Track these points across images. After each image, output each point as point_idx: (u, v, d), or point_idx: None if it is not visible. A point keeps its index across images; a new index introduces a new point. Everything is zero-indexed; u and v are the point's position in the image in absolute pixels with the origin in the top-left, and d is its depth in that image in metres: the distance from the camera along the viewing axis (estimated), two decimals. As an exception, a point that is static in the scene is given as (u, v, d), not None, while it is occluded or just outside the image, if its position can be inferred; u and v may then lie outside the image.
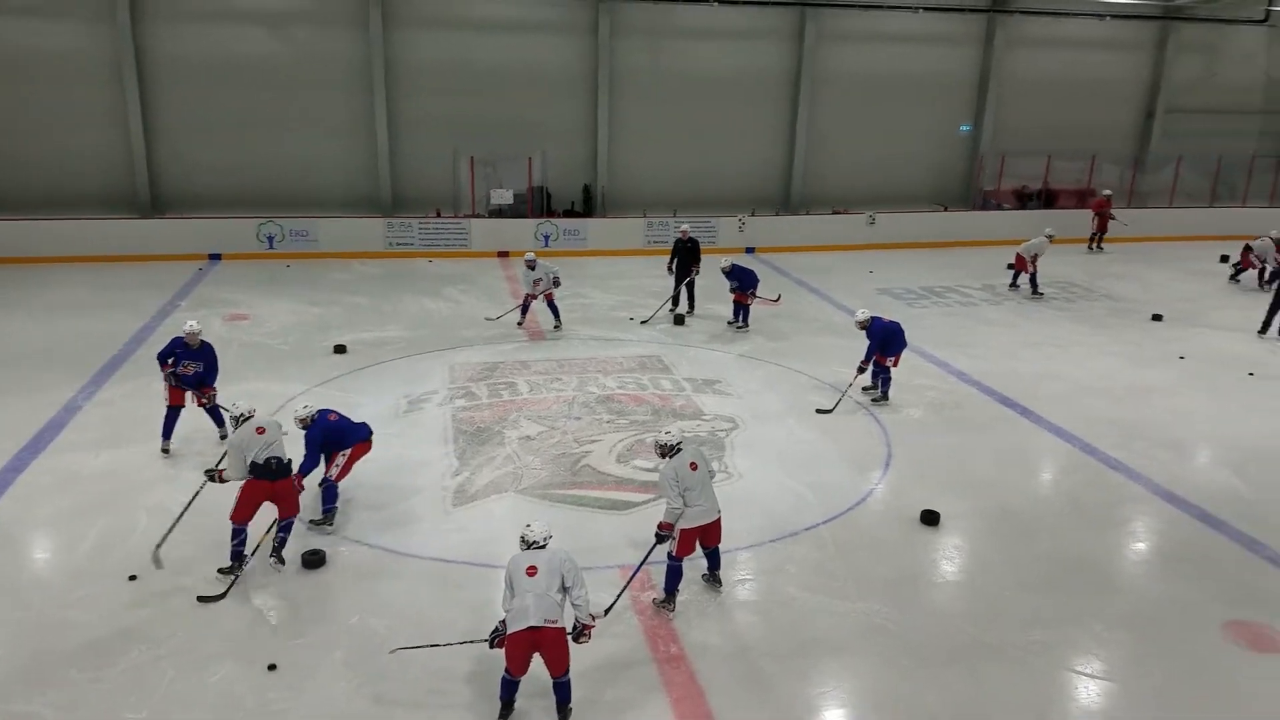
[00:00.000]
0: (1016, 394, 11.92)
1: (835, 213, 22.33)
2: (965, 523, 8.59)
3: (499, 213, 20.55)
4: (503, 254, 19.92)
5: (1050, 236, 17.70)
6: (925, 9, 21.84)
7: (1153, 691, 6.31)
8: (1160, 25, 23.87)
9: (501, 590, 5.77)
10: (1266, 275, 17.70)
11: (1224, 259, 20.61)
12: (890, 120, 22.95)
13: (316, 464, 7.87)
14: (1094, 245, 21.99)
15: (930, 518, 8.49)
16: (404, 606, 6.97)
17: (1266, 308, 14.95)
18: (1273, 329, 14.77)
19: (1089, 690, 6.32)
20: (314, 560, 7.48)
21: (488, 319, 14.93)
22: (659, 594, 7.03)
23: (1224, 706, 6.20)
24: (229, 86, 19.63)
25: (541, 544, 5.78)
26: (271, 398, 10.80)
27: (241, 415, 7.43)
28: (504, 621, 5.62)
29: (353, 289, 16.91)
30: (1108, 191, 22.36)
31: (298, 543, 7.67)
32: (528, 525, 5.88)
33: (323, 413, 8.05)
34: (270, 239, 19.20)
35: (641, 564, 6.97)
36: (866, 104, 22.72)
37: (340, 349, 13.05)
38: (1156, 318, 15.87)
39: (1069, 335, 14.88)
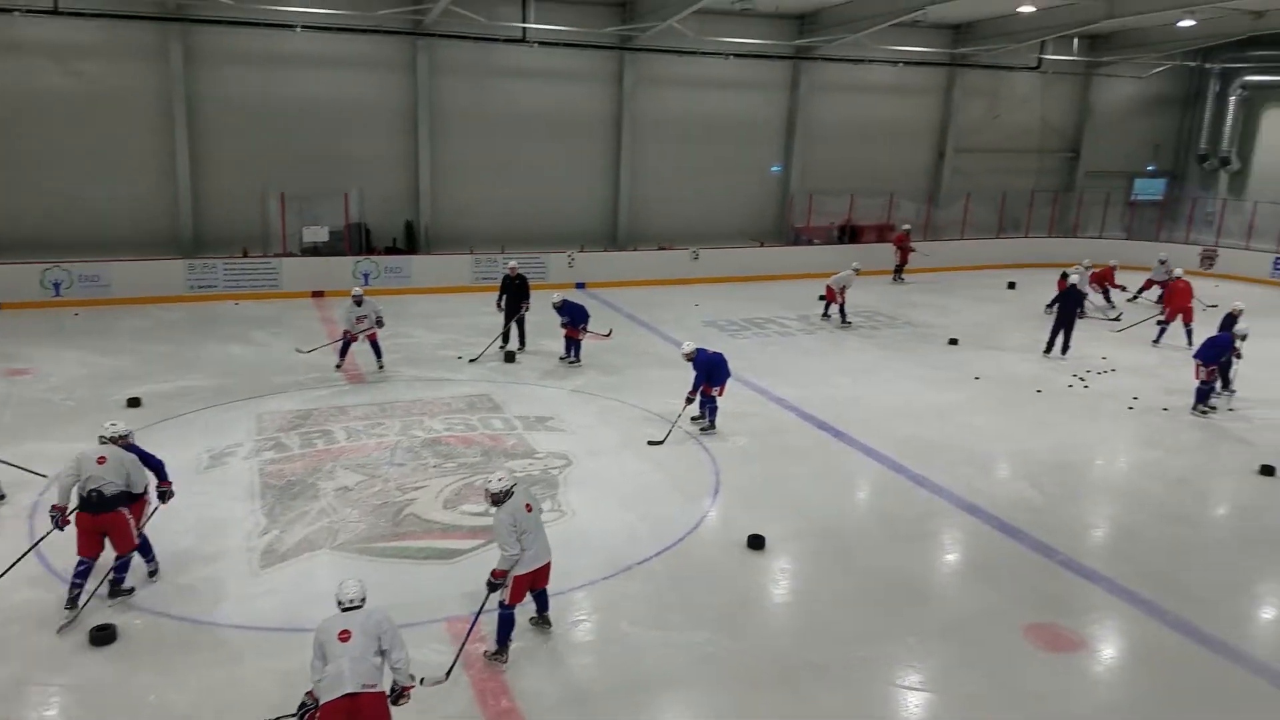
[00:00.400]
0: (832, 418, 12.44)
1: (661, 248, 22.81)
2: (790, 545, 8.83)
3: (314, 251, 19.73)
4: (317, 294, 19.12)
5: (857, 269, 18.71)
6: (736, 55, 22.75)
7: (966, 699, 6.64)
8: (947, 72, 25.90)
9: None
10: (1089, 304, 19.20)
11: (1011, 285, 22.40)
12: (709, 160, 23.75)
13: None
14: (896, 277, 23.42)
15: (756, 542, 8.68)
16: (208, 681, 6.40)
17: (1049, 330, 16.32)
18: (1055, 349, 16.13)
19: (909, 702, 6.59)
20: (103, 637, 6.79)
21: (299, 351, 14.33)
22: (490, 646, 6.78)
23: (1030, 707, 6.60)
24: (11, 123, 18.04)
25: (356, 604, 5.41)
26: (52, 459, 9.79)
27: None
28: (311, 693, 5.21)
29: (150, 336, 15.76)
30: (907, 226, 23.93)
31: (89, 617, 6.99)
32: (341, 584, 5.48)
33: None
34: (56, 285, 17.66)
35: (477, 616, 6.70)
36: (686, 145, 23.41)
37: (134, 402, 12.02)
38: (953, 342, 17.00)
39: (876, 361, 15.71)
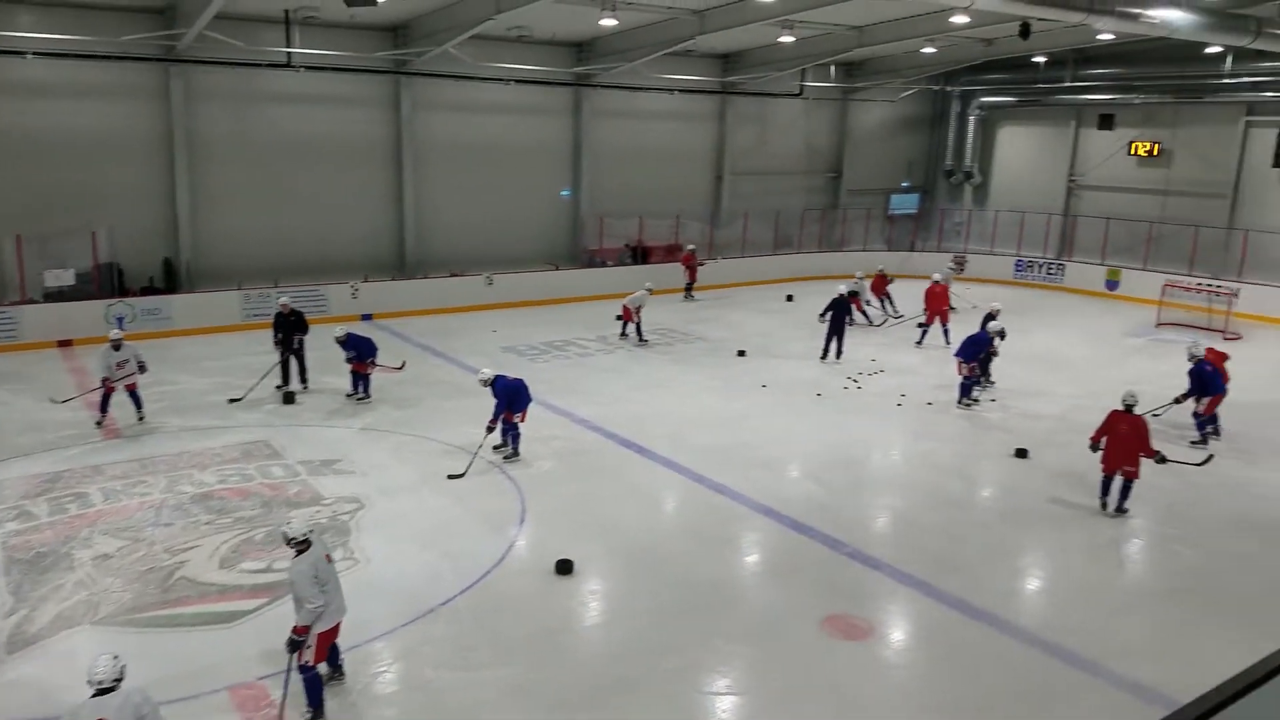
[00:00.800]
0: (634, 434, 12.63)
1: (453, 275, 22.41)
2: (599, 566, 8.86)
3: (58, 295, 17.83)
4: (64, 343, 17.27)
5: (649, 289, 19.16)
6: (516, 81, 22.76)
7: (775, 696, 6.87)
8: (719, 99, 27.11)
9: None
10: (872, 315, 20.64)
11: (789, 298, 23.65)
12: (499, 185, 23.61)
13: None
14: (687, 294, 24.20)
15: (565, 567, 8.64)
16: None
17: (824, 337, 17.33)
18: (831, 354, 17.17)
19: (719, 708, 6.74)
20: None
21: (53, 401, 13.08)
22: (306, 710, 6.30)
23: (829, 698, 6.91)
24: None
25: (108, 685, 4.92)
26: None
27: None
28: None
29: None
30: (692, 246, 24.76)
31: None
32: (93, 663, 4.99)
33: None
34: None
35: (287, 683, 6.19)
36: (474, 169, 23.16)
37: None
38: (741, 353, 17.75)
39: (672, 376, 16.13)
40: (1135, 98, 25.40)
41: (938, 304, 18.51)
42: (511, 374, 11.82)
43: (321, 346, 14.72)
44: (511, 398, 11.40)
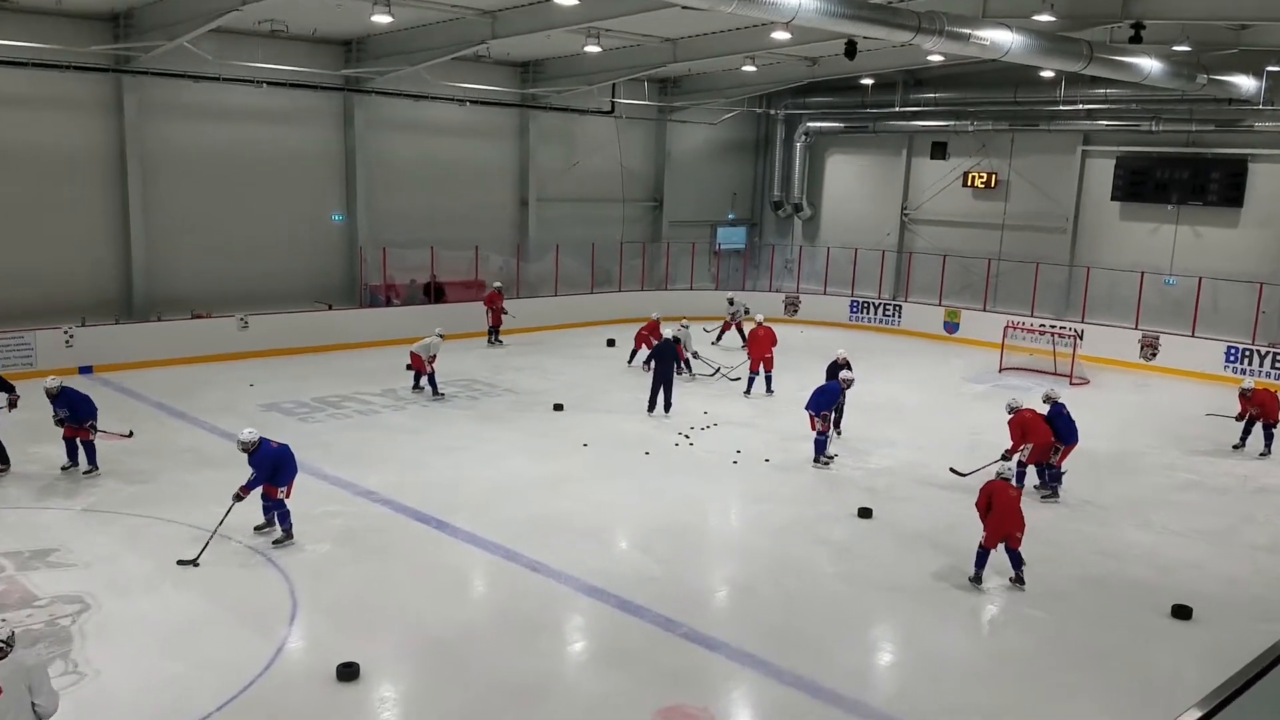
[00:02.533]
0: (433, 507, 12.49)
1: (196, 316, 21.43)
2: (391, 667, 8.67)
3: None
4: None
5: (441, 335, 19.02)
6: (270, 84, 22.15)
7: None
8: (520, 113, 27.55)
9: None
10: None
11: (610, 342, 24.14)
12: (253, 206, 22.85)
13: None
14: (492, 339, 24.22)
15: (348, 672, 8.39)
16: None
17: (650, 388, 17.78)
18: (659, 407, 17.62)
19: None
20: None
21: None
22: None
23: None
24: None
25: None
26: None
27: None
28: None
29: None
30: (498, 284, 24.86)
31: None
32: None
33: None
34: None
35: None
36: (222, 188, 22.34)
37: None
38: (558, 407, 17.93)
39: (476, 435, 16.08)
40: (969, 124, 27.76)
41: (761, 349, 19.40)
42: (276, 439, 11.46)
43: (31, 407, 13.78)
44: (276, 467, 11.04)
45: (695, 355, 21.12)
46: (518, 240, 27.88)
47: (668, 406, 17.71)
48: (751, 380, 19.48)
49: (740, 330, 23.72)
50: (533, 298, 26.98)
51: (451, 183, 26.35)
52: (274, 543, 11.10)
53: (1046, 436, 13.63)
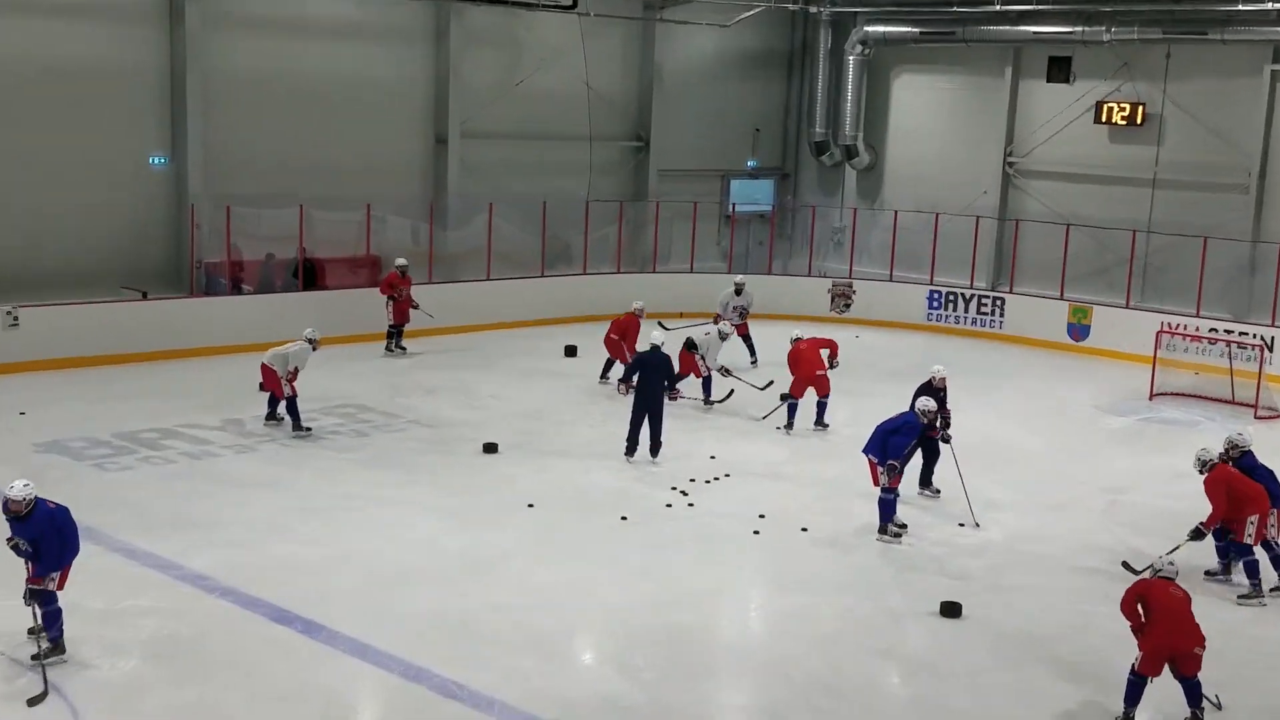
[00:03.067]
0: (295, 600, 12.24)
1: (-70, 310, 21.24)
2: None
3: None
4: None
5: (313, 341, 18.65)
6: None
7: None
8: (436, 7, 27.17)
9: None
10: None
11: (571, 351, 23.93)
12: (25, 148, 22.72)
13: None
14: (393, 344, 23.99)
15: None
16: None
17: (629, 419, 17.54)
18: (641, 446, 17.37)
19: None
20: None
21: None
22: None
23: None
24: None
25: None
26: None
27: None
28: None
29: None
30: (402, 262, 24.46)
31: None
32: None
33: None
34: None
35: None
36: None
37: None
38: (490, 448, 17.71)
39: (367, 490, 15.86)
40: (1104, 31, 27.49)
41: (807, 369, 19.22)
42: (54, 496, 11.25)
43: None
44: (62, 541, 10.84)
45: (725, 371, 21.00)
46: (431, 197, 27.72)
47: (655, 448, 17.53)
48: (793, 409, 19.33)
49: (749, 339, 23.60)
50: (453, 283, 26.83)
51: (332, 111, 26.23)
52: (33, 658, 10.79)
53: (1264, 501, 13.30)
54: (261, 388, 18.75)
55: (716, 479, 16.83)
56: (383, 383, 21.60)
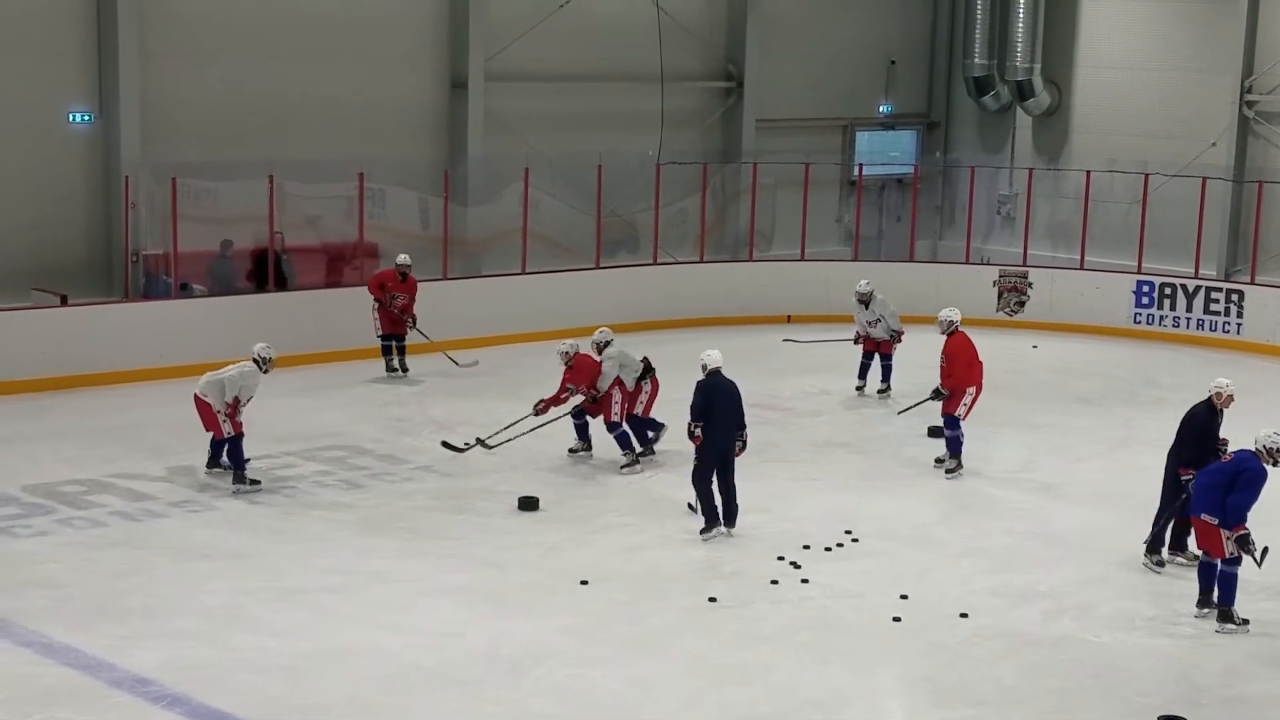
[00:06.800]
0: (262, 711, 12.04)
1: None
2: None
3: None
4: None
5: (263, 361, 18.50)
6: None
7: None
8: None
9: None
10: None
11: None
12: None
13: None
14: (394, 363, 24.05)
15: None
16: None
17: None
18: (717, 514, 17.19)
19: None
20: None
21: None
22: None
23: None
24: None
25: None
26: None
27: None
28: None
29: None
30: (404, 260, 24.47)
31: None
32: None
33: None
34: None
35: None
36: None
37: None
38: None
39: (360, 562, 15.86)
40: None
41: (966, 372, 19.09)
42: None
43: None
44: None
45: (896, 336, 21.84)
46: (445, 162, 27.75)
47: (731, 513, 17.19)
48: (957, 443, 19.17)
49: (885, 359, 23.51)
50: (476, 278, 26.89)
51: (311, 51, 26.54)
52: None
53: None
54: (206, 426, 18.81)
55: (840, 545, 16.63)
56: (382, 416, 21.77)
